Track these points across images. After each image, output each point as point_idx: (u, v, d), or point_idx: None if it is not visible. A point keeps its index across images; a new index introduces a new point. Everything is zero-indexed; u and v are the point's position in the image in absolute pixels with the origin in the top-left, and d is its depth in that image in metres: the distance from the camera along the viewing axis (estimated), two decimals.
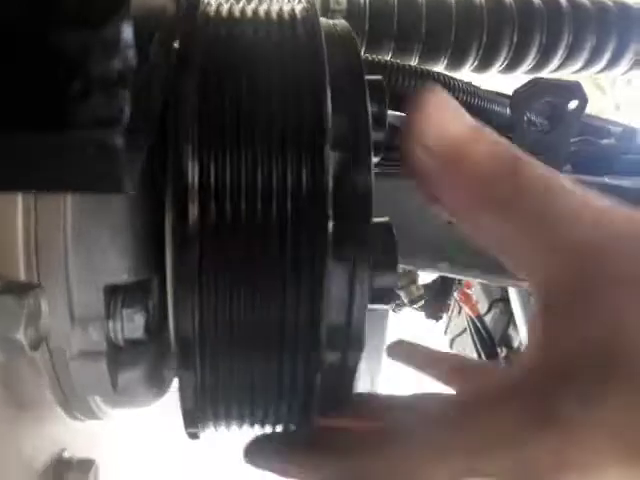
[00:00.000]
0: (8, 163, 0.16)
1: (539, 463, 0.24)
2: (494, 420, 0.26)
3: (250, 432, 0.38)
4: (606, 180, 0.59)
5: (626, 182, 0.59)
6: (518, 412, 0.25)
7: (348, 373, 0.34)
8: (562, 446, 0.24)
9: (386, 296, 0.35)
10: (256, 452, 0.35)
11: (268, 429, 0.38)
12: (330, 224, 0.30)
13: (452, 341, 1.20)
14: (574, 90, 0.53)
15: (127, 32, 0.16)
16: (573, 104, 0.54)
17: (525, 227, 0.27)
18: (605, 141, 0.67)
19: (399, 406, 0.34)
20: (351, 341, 0.33)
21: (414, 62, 0.87)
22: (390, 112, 0.37)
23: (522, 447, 0.25)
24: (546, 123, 0.58)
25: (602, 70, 0.91)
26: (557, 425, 0.24)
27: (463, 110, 0.31)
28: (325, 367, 0.33)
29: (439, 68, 0.87)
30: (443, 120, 0.30)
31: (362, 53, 0.84)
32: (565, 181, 0.28)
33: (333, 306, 0.31)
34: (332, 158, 0.31)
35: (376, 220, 0.33)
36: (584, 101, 0.53)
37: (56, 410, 0.34)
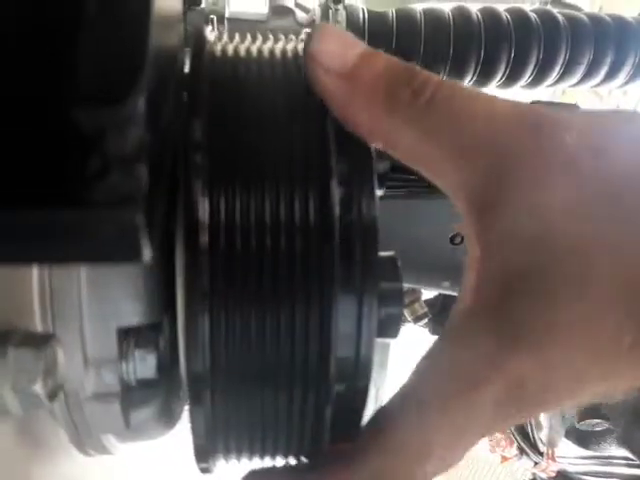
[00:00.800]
0: (25, 239, 0.16)
1: (525, 385, 0.24)
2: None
3: (261, 464, 0.38)
4: None
5: None
6: (486, 339, 0.26)
7: (357, 402, 0.35)
8: (540, 364, 0.24)
9: (392, 328, 0.35)
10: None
11: (279, 461, 0.38)
12: (338, 259, 0.31)
13: None
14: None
15: (143, 107, 0.17)
16: None
17: (432, 132, 0.28)
18: None
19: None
20: (359, 372, 0.33)
21: None
22: None
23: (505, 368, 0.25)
24: None
25: (600, 83, 0.91)
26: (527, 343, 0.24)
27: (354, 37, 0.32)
28: (334, 398, 0.33)
29: None
30: (340, 45, 0.32)
31: None
32: (462, 85, 0.30)
33: (342, 339, 0.32)
34: (338, 194, 0.31)
35: (381, 254, 0.34)
36: None
37: (69, 448, 0.35)
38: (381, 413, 0.33)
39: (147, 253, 0.17)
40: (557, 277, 0.23)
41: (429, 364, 0.31)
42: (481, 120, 0.27)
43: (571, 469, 1.04)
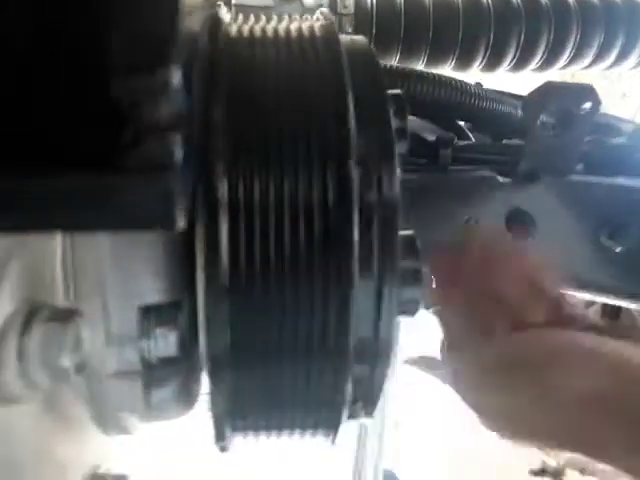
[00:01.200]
0: (62, 205, 0.17)
1: None
2: None
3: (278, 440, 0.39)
4: (620, 181, 0.59)
5: None
6: None
7: (377, 381, 0.35)
8: None
9: (412, 308, 0.35)
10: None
11: (296, 437, 0.38)
12: (357, 238, 0.31)
13: None
14: (587, 93, 0.53)
15: (176, 78, 0.17)
16: (586, 106, 0.54)
17: None
18: (616, 140, 0.68)
19: None
20: (380, 354, 0.33)
21: (422, 63, 0.87)
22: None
23: None
24: (558, 124, 0.58)
25: (611, 66, 0.90)
26: None
27: None
28: (354, 379, 0.33)
29: (447, 68, 0.88)
30: None
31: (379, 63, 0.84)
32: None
33: (361, 320, 0.32)
34: (358, 173, 0.31)
35: (401, 233, 0.33)
36: (597, 103, 0.54)
37: (91, 426, 0.35)
38: None
39: (181, 220, 0.17)
40: None
41: None
42: None
43: None
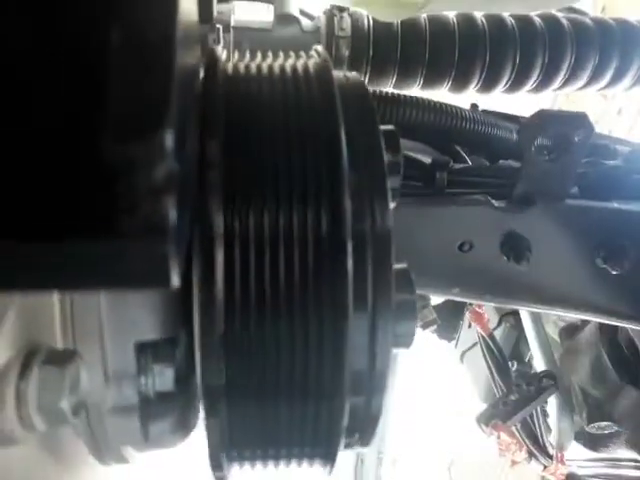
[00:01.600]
0: (59, 268, 0.17)
1: None
2: None
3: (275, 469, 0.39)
4: (615, 205, 0.60)
5: (635, 206, 0.60)
6: None
7: (373, 413, 0.35)
8: None
9: (406, 341, 0.36)
10: None
11: (292, 466, 0.39)
12: (350, 271, 0.31)
13: (462, 355, 1.20)
14: (580, 121, 0.54)
15: (171, 141, 0.17)
16: (580, 134, 0.55)
17: None
18: (612, 162, 0.68)
19: None
20: (375, 386, 0.34)
21: (418, 85, 0.88)
22: (402, 140, 0.39)
23: None
24: (553, 149, 0.59)
25: (605, 87, 0.91)
26: None
27: None
28: (350, 410, 0.34)
29: (443, 90, 0.89)
30: None
31: (366, 79, 0.85)
32: None
33: (356, 353, 0.32)
34: (351, 207, 0.32)
35: (395, 266, 0.34)
36: (590, 130, 0.54)
37: (89, 459, 0.36)
38: None
39: (175, 279, 0.18)
40: None
41: None
42: None
43: (580, 472, 1.04)
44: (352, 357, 0.32)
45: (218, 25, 0.86)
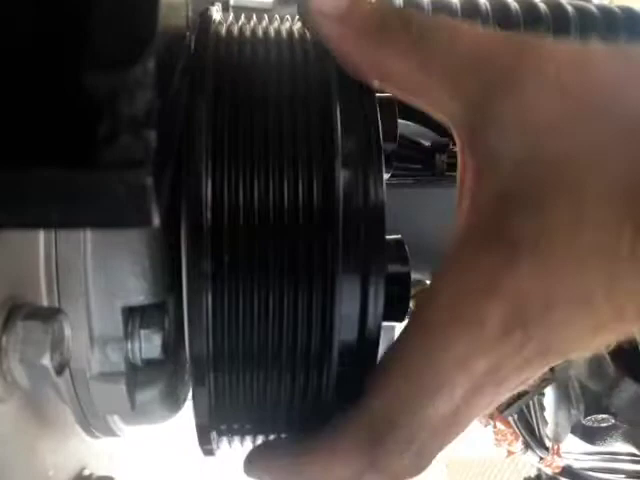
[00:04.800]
0: (36, 201, 0.17)
1: (528, 298, 0.24)
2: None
3: None
4: None
5: None
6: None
7: (362, 386, 0.35)
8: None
9: (399, 311, 0.35)
10: (254, 460, 0.36)
11: None
12: (341, 241, 0.31)
13: None
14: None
15: (152, 74, 0.17)
16: None
17: (424, 61, 0.29)
18: None
19: None
20: (365, 355, 0.33)
21: None
22: (401, 122, 0.38)
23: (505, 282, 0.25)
24: None
25: None
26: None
27: None
28: (336, 381, 0.33)
29: None
30: None
31: None
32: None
33: (346, 323, 0.32)
34: (344, 175, 0.31)
35: (388, 237, 0.33)
36: None
37: (76, 429, 0.35)
38: (384, 357, 0.32)
39: (156, 217, 0.17)
40: (551, 186, 0.24)
41: (429, 295, 0.31)
42: (468, 48, 0.28)
43: (576, 465, 1.04)
44: (341, 326, 0.31)
45: (217, 3, 0.85)
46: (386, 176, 0.34)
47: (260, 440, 0.37)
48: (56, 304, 0.28)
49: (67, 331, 0.26)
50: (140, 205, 0.17)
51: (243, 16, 0.37)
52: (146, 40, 0.17)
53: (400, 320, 0.36)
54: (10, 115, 0.16)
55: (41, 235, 0.28)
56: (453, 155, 0.63)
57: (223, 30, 0.35)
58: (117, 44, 0.17)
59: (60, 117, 0.17)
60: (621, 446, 0.99)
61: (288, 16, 0.37)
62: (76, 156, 0.16)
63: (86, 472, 0.36)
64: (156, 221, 0.17)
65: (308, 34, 0.35)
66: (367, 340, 0.32)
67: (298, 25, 0.36)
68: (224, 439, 0.36)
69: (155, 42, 0.17)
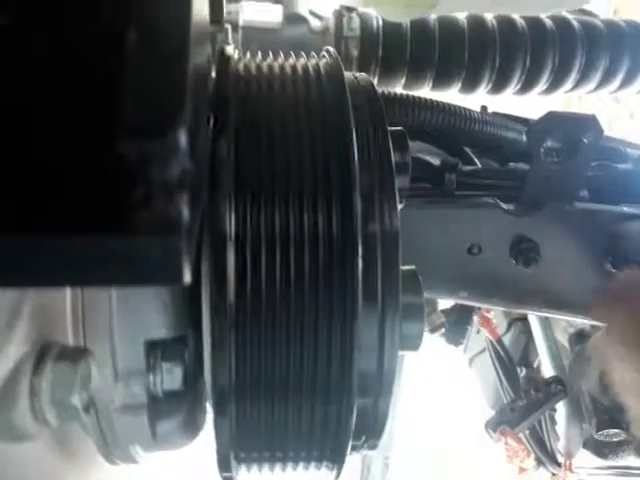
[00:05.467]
0: (72, 265, 0.17)
1: None
2: None
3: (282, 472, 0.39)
4: (624, 209, 0.60)
5: None
6: None
7: (380, 415, 0.35)
8: None
9: (415, 342, 0.36)
10: None
11: (300, 470, 0.39)
12: (361, 270, 0.31)
13: (471, 360, 1.19)
14: (589, 123, 0.53)
15: (185, 140, 0.18)
16: (589, 136, 0.54)
17: None
18: (622, 166, 0.68)
19: None
20: (383, 387, 0.34)
21: (428, 86, 0.88)
22: (410, 142, 0.39)
23: None
24: (562, 151, 0.59)
25: (617, 90, 0.91)
26: None
27: None
28: (358, 412, 0.34)
29: (453, 92, 0.88)
30: None
31: (376, 81, 0.85)
32: None
33: (364, 354, 0.32)
34: (362, 208, 0.32)
35: (402, 268, 0.34)
36: (599, 132, 0.54)
37: (97, 457, 0.36)
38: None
39: (188, 275, 0.18)
40: None
41: None
42: None
43: None
44: (360, 358, 0.32)
45: (227, 25, 0.86)
46: (399, 206, 0.35)
47: (279, 467, 0.38)
48: (82, 342, 0.29)
49: (94, 370, 0.26)
50: (174, 266, 0.17)
51: (259, 52, 0.38)
52: (178, 107, 0.18)
53: (415, 349, 0.36)
54: (46, 181, 0.17)
55: None
56: (462, 174, 0.63)
57: (241, 67, 0.36)
58: (150, 111, 0.18)
59: (95, 184, 0.17)
60: (634, 460, 0.98)
61: (303, 53, 0.38)
62: (110, 221, 0.17)
63: None
64: (188, 279, 0.18)
65: (322, 70, 0.36)
66: (385, 370, 0.33)
67: (313, 61, 0.37)
68: (243, 467, 0.37)
69: (187, 108, 0.18)
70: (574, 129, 0.54)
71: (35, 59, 0.18)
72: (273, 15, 0.94)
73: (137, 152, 0.17)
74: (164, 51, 0.19)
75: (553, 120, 0.54)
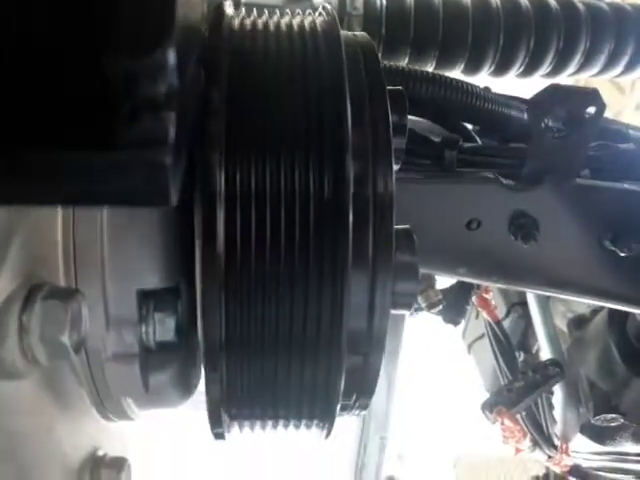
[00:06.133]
0: (59, 179, 0.17)
1: None
2: None
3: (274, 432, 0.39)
4: (625, 186, 0.59)
5: None
6: None
7: (370, 375, 0.35)
8: None
9: (407, 301, 0.36)
10: None
11: (291, 429, 0.39)
12: (351, 231, 0.31)
13: (470, 346, 1.19)
14: (592, 97, 0.53)
15: (172, 58, 0.18)
16: (591, 110, 0.54)
17: None
18: (624, 145, 0.67)
19: None
20: (373, 345, 0.34)
21: (431, 66, 0.87)
22: (411, 118, 0.38)
23: None
24: (563, 128, 0.58)
25: (621, 74, 0.90)
26: None
27: None
28: (348, 370, 0.34)
29: (456, 72, 0.88)
30: None
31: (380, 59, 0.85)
32: None
33: (355, 311, 0.32)
34: (354, 167, 0.32)
35: (397, 227, 0.34)
36: (602, 107, 0.54)
37: (91, 411, 0.36)
38: None
39: (174, 197, 0.18)
40: None
41: None
42: None
43: (585, 464, 1.03)
44: (350, 313, 0.32)
45: (229, 1, 0.86)
46: (395, 167, 0.35)
47: (270, 424, 0.38)
48: (73, 285, 0.29)
49: (84, 311, 0.27)
50: (159, 184, 0.18)
51: (255, 10, 0.38)
52: (167, 27, 0.18)
53: (408, 308, 0.36)
54: (34, 97, 0.17)
55: (59, 218, 0.29)
56: (462, 151, 0.63)
57: (236, 23, 0.35)
58: (139, 29, 0.18)
59: (83, 99, 0.17)
60: (631, 446, 0.98)
61: (299, 10, 0.38)
62: (98, 136, 0.17)
63: (100, 453, 0.37)
64: (174, 200, 0.18)
65: (318, 27, 0.36)
66: (375, 328, 0.33)
67: (309, 19, 0.37)
68: (235, 423, 0.37)
69: (175, 29, 0.18)
70: (576, 103, 0.53)
71: None
72: None
73: (125, 68, 0.17)
74: None
75: (555, 93, 0.53)
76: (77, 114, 0.17)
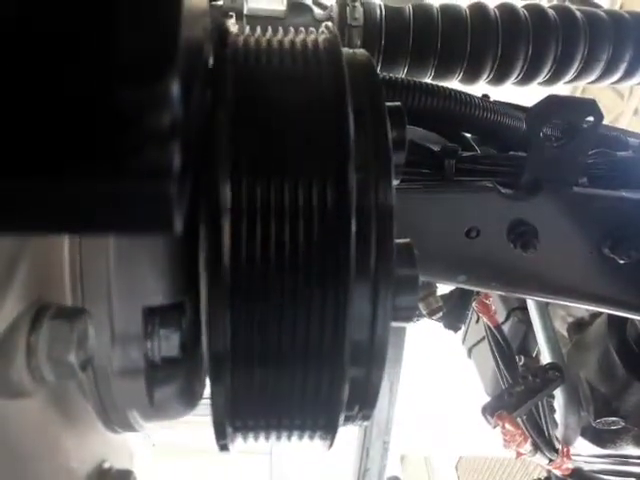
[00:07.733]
0: (64, 209, 0.18)
1: None
2: None
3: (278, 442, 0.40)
4: (623, 194, 0.60)
5: None
6: None
7: (372, 385, 0.36)
8: None
9: (407, 314, 0.36)
10: None
11: (294, 440, 0.39)
12: (354, 242, 0.32)
13: (470, 350, 1.20)
14: (590, 107, 0.53)
15: (177, 87, 0.18)
16: (588, 120, 0.54)
17: None
18: (622, 153, 0.68)
19: None
20: (374, 357, 0.34)
21: (430, 76, 0.88)
22: (410, 127, 0.39)
23: None
24: (561, 137, 0.59)
25: (618, 81, 0.91)
26: None
27: None
28: (350, 381, 0.34)
29: (454, 82, 0.89)
30: None
31: (378, 69, 0.86)
32: None
33: (357, 324, 0.33)
34: (355, 181, 0.32)
35: (397, 240, 0.34)
36: (600, 117, 0.54)
37: (97, 423, 0.36)
38: None
39: (178, 225, 0.18)
40: None
41: None
42: None
43: (586, 467, 1.04)
44: (352, 326, 0.32)
45: (231, 13, 0.87)
46: (395, 182, 0.35)
47: (274, 435, 0.39)
48: (80, 303, 0.30)
49: (91, 330, 0.27)
50: (163, 214, 0.18)
51: (259, 28, 0.38)
52: (170, 56, 0.18)
53: (408, 321, 0.37)
54: (35, 127, 0.17)
55: (66, 239, 0.29)
56: (462, 160, 0.64)
57: (240, 42, 0.36)
58: (143, 59, 0.18)
59: (88, 129, 0.18)
60: (632, 449, 0.98)
61: (302, 28, 0.38)
62: (100, 166, 0.17)
63: (106, 465, 0.37)
64: (178, 228, 0.18)
65: (321, 45, 0.37)
66: (377, 340, 0.34)
67: (312, 37, 0.37)
68: (239, 435, 0.38)
69: (179, 58, 0.18)
70: (574, 113, 0.54)
71: (31, 5, 0.18)
72: (277, 4, 0.94)
73: (129, 99, 0.18)
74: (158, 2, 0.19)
75: (553, 103, 0.54)
76: (79, 144, 0.18)
